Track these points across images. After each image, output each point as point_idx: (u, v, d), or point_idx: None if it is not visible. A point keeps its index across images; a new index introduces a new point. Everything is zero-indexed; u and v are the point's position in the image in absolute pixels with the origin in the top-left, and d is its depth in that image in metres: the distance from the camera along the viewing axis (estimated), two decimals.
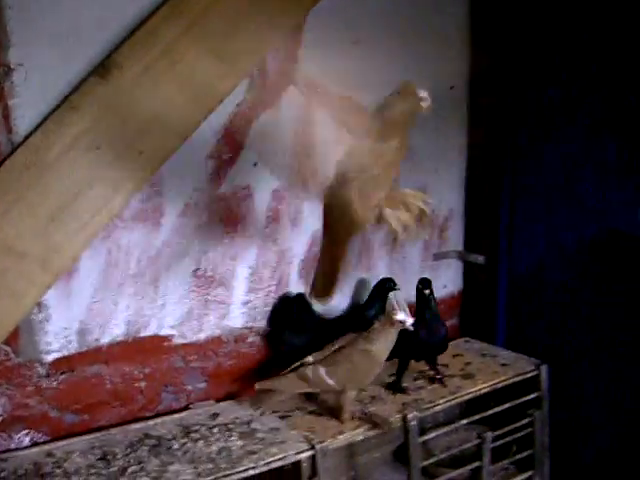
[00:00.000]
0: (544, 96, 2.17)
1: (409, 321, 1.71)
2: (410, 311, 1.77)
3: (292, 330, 1.97)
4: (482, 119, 2.27)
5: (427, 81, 2.15)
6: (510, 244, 2.26)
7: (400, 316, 1.70)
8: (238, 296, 1.97)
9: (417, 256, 2.29)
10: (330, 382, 1.76)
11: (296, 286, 2.06)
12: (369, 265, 2.19)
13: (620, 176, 2.06)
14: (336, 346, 1.79)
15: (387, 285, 2.04)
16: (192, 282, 1.89)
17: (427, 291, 1.98)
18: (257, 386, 1.80)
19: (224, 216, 1.91)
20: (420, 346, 1.96)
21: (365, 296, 2.13)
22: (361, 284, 2.19)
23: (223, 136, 1.86)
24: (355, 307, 2.17)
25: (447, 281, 2.38)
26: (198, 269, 1.89)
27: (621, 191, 2.06)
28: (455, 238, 2.37)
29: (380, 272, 2.21)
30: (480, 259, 2.30)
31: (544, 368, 2.08)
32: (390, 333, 1.73)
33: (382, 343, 1.73)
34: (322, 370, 1.76)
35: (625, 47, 1.95)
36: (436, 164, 2.26)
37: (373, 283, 2.12)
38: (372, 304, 2.05)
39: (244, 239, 1.95)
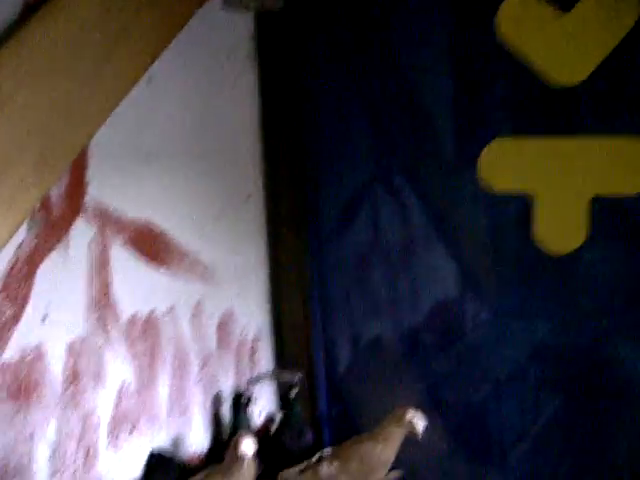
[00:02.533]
0: (333, 200, 2.13)
1: (420, 423, 1.73)
2: None
3: None
4: (281, 228, 2.13)
5: (222, 193, 2.00)
6: (325, 356, 2.15)
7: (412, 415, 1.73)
8: None
9: (231, 387, 2.05)
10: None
11: (106, 453, 1.71)
12: (183, 405, 1.91)
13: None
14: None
15: (242, 400, 1.91)
16: None
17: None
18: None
19: (12, 389, 1.51)
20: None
21: None
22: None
23: (2, 289, 1.49)
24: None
25: (262, 406, 2.16)
26: None
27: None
28: (265, 359, 2.17)
29: (196, 413, 1.94)
30: (296, 378, 2.12)
31: None
32: (399, 434, 1.74)
33: (396, 444, 1.75)
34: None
35: None
36: (239, 283, 2.05)
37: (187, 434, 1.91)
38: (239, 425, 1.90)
39: (40, 411, 1.56)
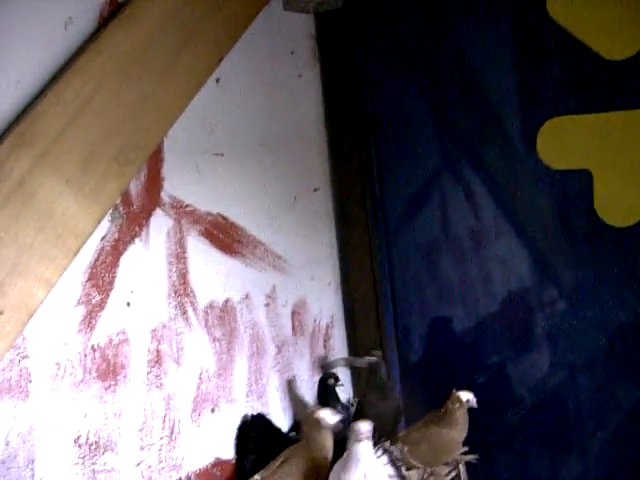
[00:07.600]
0: (400, 188, 2.18)
1: (473, 400, 1.84)
2: None
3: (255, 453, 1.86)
4: (349, 217, 2.21)
5: (291, 186, 2.09)
6: (398, 341, 2.20)
7: (466, 395, 1.83)
8: (129, 458, 1.68)
9: (306, 372, 2.14)
10: (414, 462, 1.87)
11: (189, 433, 1.82)
12: (261, 391, 2.00)
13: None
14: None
15: (330, 382, 1.97)
16: (74, 453, 1.59)
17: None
18: None
19: (101, 369, 1.64)
20: None
21: None
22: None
23: (89, 277, 1.62)
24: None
25: None
26: (79, 437, 1.60)
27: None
28: (339, 345, 2.25)
29: (273, 396, 2.03)
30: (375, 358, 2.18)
31: (461, 467, 1.99)
32: (461, 415, 1.84)
33: (461, 426, 1.85)
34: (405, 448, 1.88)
35: None
36: (311, 272, 2.14)
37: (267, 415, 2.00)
38: (330, 405, 1.90)
39: (127, 391, 1.69)
